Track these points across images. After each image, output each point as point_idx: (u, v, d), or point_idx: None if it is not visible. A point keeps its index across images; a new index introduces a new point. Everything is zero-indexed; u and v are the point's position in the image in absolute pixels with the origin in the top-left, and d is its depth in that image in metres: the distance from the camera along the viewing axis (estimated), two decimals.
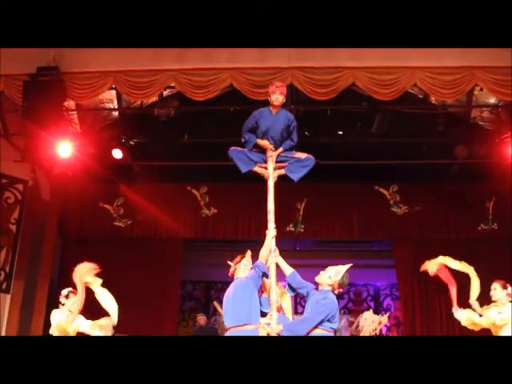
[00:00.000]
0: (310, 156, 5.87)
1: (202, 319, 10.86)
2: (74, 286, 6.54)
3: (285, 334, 4.99)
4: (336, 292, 5.28)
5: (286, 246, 10.80)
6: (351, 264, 5.36)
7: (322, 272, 5.32)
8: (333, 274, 5.24)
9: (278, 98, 5.73)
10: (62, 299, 6.48)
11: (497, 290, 5.98)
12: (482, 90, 8.83)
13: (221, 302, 5.37)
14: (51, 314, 6.45)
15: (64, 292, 6.53)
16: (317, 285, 5.34)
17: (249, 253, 5.41)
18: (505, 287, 5.97)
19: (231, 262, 5.37)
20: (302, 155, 5.87)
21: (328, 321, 5.04)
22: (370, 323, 7.59)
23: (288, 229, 10.95)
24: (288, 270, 5.49)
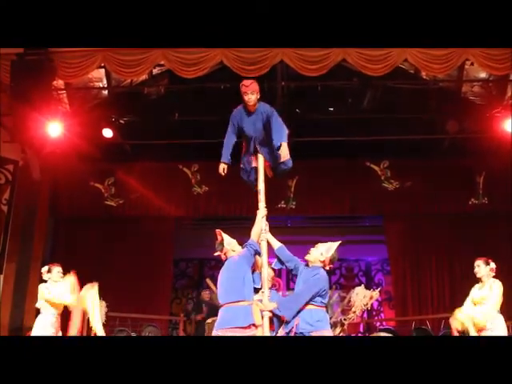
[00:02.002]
0: (289, 160, 5.76)
1: (205, 294, 10.59)
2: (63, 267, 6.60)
3: (277, 311, 5.04)
4: (327, 268, 5.32)
5: (277, 223, 10.91)
6: (341, 241, 5.40)
7: (312, 249, 5.34)
8: (324, 251, 5.28)
9: (250, 98, 5.44)
10: (45, 275, 6.50)
11: (480, 266, 6.08)
12: (472, 64, 8.82)
13: (214, 280, 5.42)
14: (39, 288, 6.48)
15: (44, 269, 6.55)
16: (307, 262, 5.37)
17: (218, 231, 5.45)
18: (487, 263, 6.07)
19: (216, 252, 5.42)
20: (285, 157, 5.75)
21: (320, 296, 5.09)
22: (362, 298, 7.67)
23: (279, 205, 10.98)
24: (276, 244, 5.55)
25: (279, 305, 5.07)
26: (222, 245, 5.37)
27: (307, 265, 5.34)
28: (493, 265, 6.07)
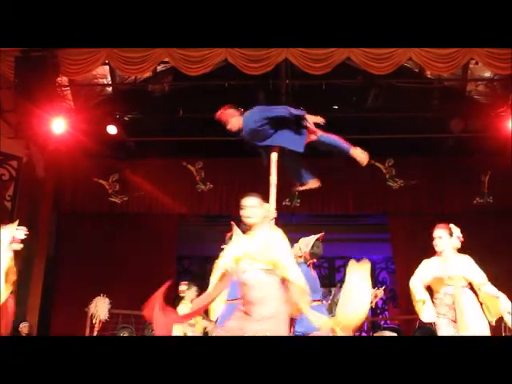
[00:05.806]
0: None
1: None
2: None
3: None
4: (309, 263, 5.27)
5: (282, 220, 10.87)
6: (323, 233, 5.34)
7: (295, 244, 5.30)
8: (303, 246, 5.27)
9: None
10: None
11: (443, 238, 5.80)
12: (477, 63, 8.79)
13: None
14: None
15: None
16: None
17: (232, 223, 5.47)
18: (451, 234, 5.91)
19: (224, 245, 5.42)
20: None
21: None
22: None
23: (284, 203, 10.95)
24: None
25: None
26: (230, 240, 5.38)
27: None
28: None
